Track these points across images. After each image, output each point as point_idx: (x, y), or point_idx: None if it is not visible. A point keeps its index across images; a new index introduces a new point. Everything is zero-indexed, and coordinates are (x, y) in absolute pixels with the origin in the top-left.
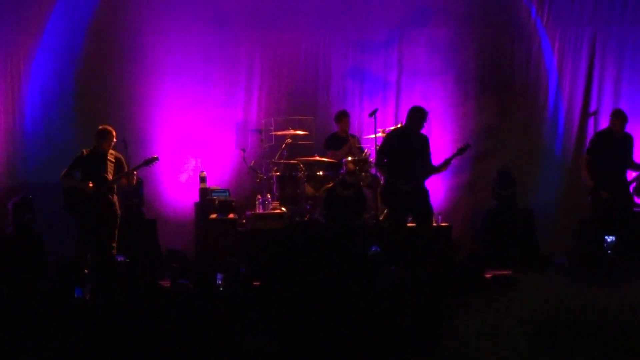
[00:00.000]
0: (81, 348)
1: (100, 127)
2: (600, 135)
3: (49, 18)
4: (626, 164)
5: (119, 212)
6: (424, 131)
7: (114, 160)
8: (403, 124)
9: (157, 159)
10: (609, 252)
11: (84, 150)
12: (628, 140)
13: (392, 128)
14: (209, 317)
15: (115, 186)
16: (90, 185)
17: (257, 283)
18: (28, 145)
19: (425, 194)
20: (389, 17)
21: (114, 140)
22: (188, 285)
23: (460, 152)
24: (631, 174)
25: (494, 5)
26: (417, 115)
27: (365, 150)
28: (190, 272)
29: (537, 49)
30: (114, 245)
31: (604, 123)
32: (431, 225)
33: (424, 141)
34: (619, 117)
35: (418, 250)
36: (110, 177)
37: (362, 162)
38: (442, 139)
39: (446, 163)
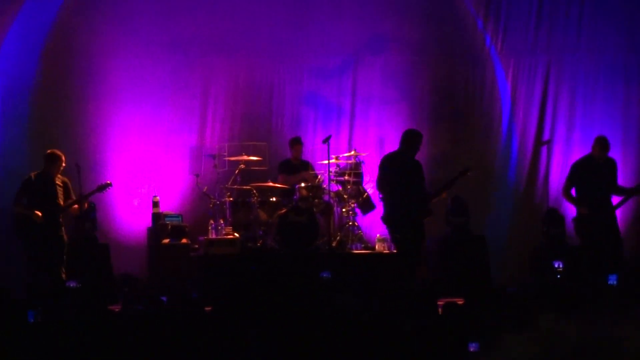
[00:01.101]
0: None
1: (48, 151)
2: (580, 162)
3: (2, 42)
4: (609, 190)
5: (65, 237)
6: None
7: (61, 185)
8: (397, 148)
9: (110, 184)
10: (558, 277)
11: (32, 174)
12: (610, 165)
13: (389, 153)
14: (160, 342)
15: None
16: (39, 215)
17: (209, 308)
18: None
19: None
20: (344, 44)
21: (63, 164)
22: (140, 310)
23: (460, 175)
24: (616, 200)
25: (448, 34)
26: (414, 139)
27: (319, 177)
28: (142, 297)
29: (491, 77)
30: (63, 270)
31: (557, 152)
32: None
33: (419, 167)
34: (599, 143)
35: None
36: (61, 202)
37: (315, 189)
38: None
39: (445, 187)
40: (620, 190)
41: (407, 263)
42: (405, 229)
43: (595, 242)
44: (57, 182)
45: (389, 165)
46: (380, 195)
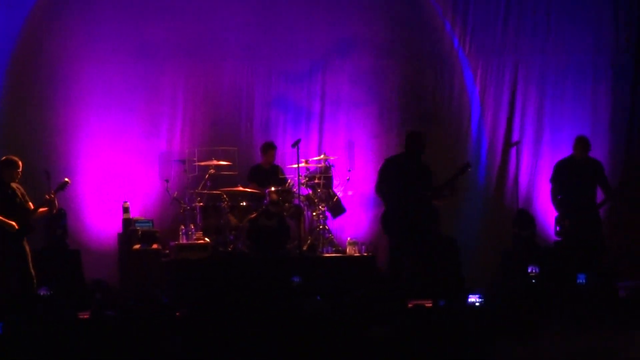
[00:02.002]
0: None
1: (4, 157)
2: (561, 163)
3: None
4: (592, 189)
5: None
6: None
7: (21, 190)
8: (402, 150)
9: (68, 182)
10: (533, 281)
11: None
12: (593, 165)
13: (391, 156)
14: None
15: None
16: (16, 227)
17: (179, 313)
18: None
19: (428, 220)
20: (312, 47)
21: (19, 170)
22: (111, 315)
23: (460, 172)
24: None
25: (416, 36)
26: (416, 140)
27: (289, 181)
28: (113, 302)
29: (460, 78)
30: (33, 275)
31: (527, 153)
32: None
33: (425, 169)
34: (580, 143)
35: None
36: (31, 206)
37: (285, 193)
38: (364, 170)
39: (447, 185)
40: (606, 189)
41: (394, 265)
42: (392, 231)
43: (576, 241)
44: (14, 187)
45: (386, 168)
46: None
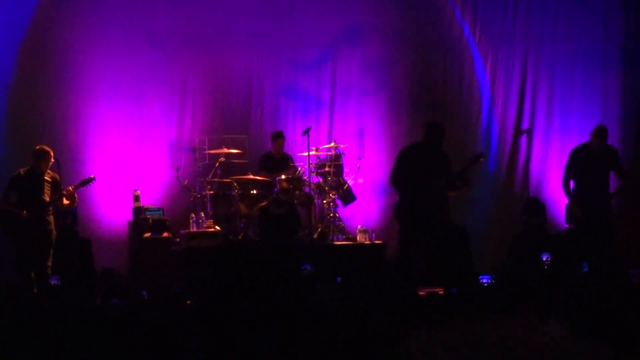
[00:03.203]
0: None
1: (37, 147)
2: (577, 150)
3: None
4: (606, 178)
5: (54, 232)
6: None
7: (50, 180)
8: (420, 140)
9: (93, 178)
10: (545, 268)
11: (21, 170)
12: (609, 152)
13: (408, 145)
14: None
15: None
16: (25, 213)
17: (190, 302)
18: None
19: (440, 211)
20: (322, 35)
21: (52, 160)
22: (118, 304)
23: (472, 162)
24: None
25: (426, 24)
26: (435, 131)
27: (299, 169)
28: (122, 291)
29: (470, 67)
30: (49, 264)
31: (537, 141)
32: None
33: (444, 158)
34: (598, 132)
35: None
36: (47, 198)
37: (295, 181)
38: (375, 158)
39: (459, 176)
40: (622, 175)
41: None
42: (405, 220)
43: (587, 229)
44: (46, 178)
45: (401, 157)
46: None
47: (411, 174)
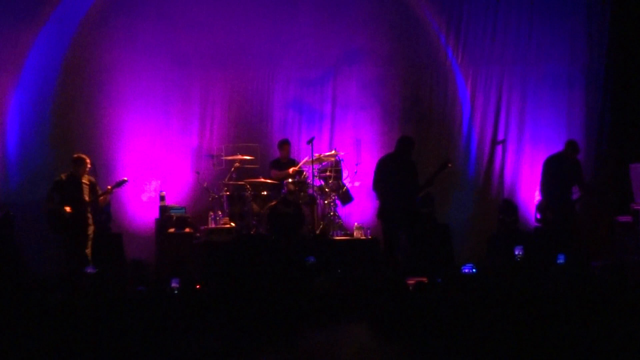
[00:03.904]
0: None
1: (75, 155)
2: (551, 159)
3: (27, 57)
4: (572, 185)
5: (93, 227)
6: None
7: (88, 183)
8: (393, 151)
9: (126, 180)
10: (518, 260)
11: (62, 175)
12: (576, 164)
13: (383, 157)
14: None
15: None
16: (68, 210)
17: (208, 288)
18: (9, 170)
19: (415, 211)
20: (324, 57)
21: (88, 166)
22: (144, 290)
23: (441, 168)
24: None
25: (415, 48)
26: (406, 144)
27: (304, 173)
28: (149, 279)
29: (453, 85)
30: (89, 254)
31: (511, 150)
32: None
33: (412, 166)
34: (572, 145)
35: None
36: (86, 198)
37: (300, 184)
38: (370, 164)
39: (430, 180)
40: (584, 186)
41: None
42: (387, 221)
43: (555, 228)
44: (84, 181)
45: (380, 167)
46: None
47: (389, 179)
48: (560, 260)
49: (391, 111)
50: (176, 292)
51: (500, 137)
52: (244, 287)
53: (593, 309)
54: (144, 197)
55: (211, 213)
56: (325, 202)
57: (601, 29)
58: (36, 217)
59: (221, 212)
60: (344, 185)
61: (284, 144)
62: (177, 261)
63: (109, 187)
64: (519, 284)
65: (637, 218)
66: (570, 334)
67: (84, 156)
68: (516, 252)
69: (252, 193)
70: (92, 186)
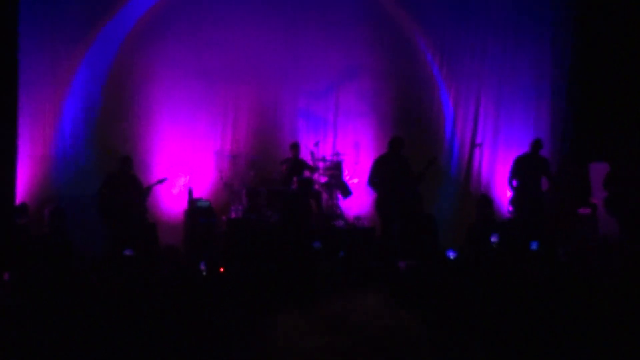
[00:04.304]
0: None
1: (123, 155)
2: (519, 158)
3: (77, 71)
4: (540, 179)
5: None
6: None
7: (132, 179)
8: (386, 151)
9: (166, 179)
10: (494, 248)
11: (113, 171)
12: (543, 161)
13: (378, 156)
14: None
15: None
16: (120, 200)
17: (229, 270)
18: (60, 167)
19: (406, 203)
20: (329, 72)
21: (132, 164)
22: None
23: (428, 164)
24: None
25: (406, 64)
26: (397, 143)
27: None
28: (180, 262)
29: (438, 96)
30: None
31: (487, 152)
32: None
33: (405, 161)
34: (537, 143)
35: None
36: (134, 192)
37: (307, 180)
38: (367, 163)
39: (420, 176)
40: (551, 180)
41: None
42: (383, 213)
43: (525, 218)
44: (130, 175)
45: (376, 166)
46: (372, 189)
47: (384, 176)
48: (533, 247)
49: (385, 118)
50: (204, 273)
51: (479, 140)
52: (261, 268)
53: (562, 288)
54: (175, 191)
55: (232, 206)
56: (329, 196)
57: (564, 48)
58: (82, 209)
59: (240, 205)
60: (344, 181)
61: (294, 145)
62: (203, 247)
63: (154, 182)
64: (495, 265)
65: (594, 210)
66: (543, 309)
67: (129, 156)
68: (492, 240)
69: (267, 188)
70: (136, 181)
